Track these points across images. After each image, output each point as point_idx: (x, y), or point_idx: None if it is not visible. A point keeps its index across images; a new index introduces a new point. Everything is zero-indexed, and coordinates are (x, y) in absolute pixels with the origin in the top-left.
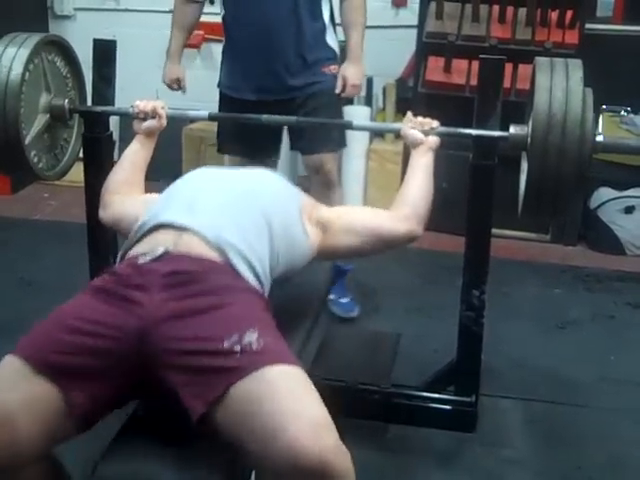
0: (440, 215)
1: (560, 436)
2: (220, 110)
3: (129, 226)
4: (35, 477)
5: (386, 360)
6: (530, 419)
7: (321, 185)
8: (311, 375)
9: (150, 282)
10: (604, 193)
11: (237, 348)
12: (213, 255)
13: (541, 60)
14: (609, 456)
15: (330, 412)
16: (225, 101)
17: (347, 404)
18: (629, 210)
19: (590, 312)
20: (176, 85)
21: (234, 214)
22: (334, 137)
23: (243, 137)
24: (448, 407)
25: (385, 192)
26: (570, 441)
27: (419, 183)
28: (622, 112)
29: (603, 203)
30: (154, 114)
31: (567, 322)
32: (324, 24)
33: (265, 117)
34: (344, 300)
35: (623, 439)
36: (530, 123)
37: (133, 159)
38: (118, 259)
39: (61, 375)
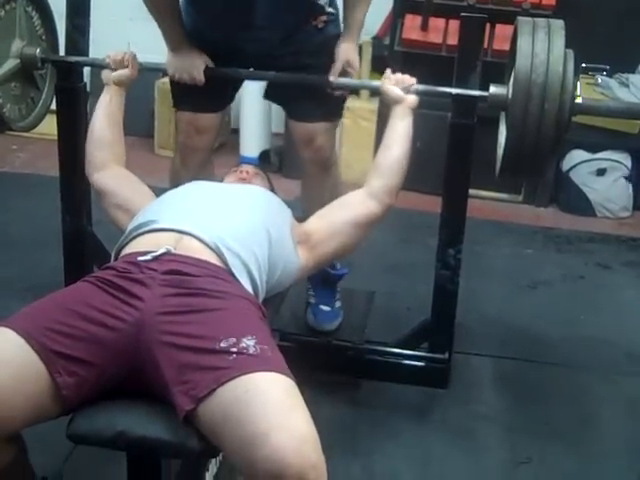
0: (414, 175)
1: (530, 393)
2: None
3: (118, 208)
4: (5, 454)
5: (360, 317)
6: (501, 376)
7: (312, 164)
8: (286, 333)
9: (151, 278)
10: (576, 155)
11: (233, 350)
12: (213, 259)
13: (523, 20)
14: (577, 413)
15: (304, 368)
16: None
17: (321, 360)
18: (601, 172)
19: (561, 272)
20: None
21: (235, 221)
22: (328, 103)
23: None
24: (421, 364)
25: (360, 150)
26: (540, 398)
27: (397, 151)
28: (603, 73)
29: (575, 165)
30: (126, 63)
31: (538, 282)
32: None
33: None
34: (326, 308)
35: (591, 396)
36: (511, 84)
37: (110, 113)
38: (112, 257)
39: (55, 357)
